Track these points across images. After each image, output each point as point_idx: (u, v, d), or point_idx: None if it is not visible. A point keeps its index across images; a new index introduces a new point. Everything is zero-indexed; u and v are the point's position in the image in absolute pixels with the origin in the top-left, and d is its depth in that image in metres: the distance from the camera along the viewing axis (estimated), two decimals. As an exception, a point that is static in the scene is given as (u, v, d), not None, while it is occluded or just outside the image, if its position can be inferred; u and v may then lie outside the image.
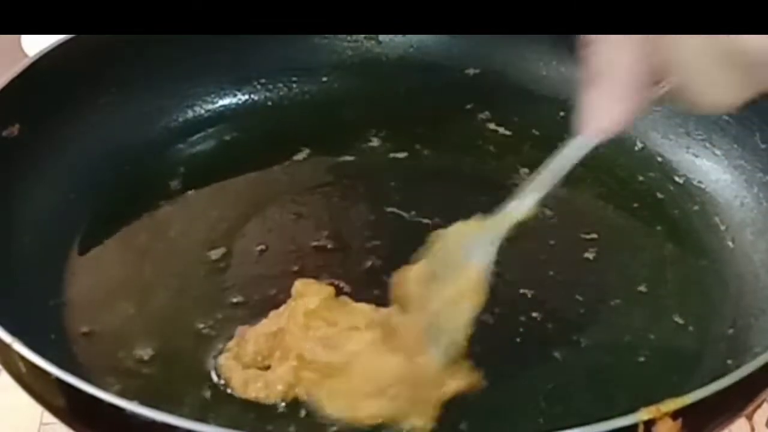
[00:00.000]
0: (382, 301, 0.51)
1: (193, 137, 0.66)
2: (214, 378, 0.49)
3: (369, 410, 0.47)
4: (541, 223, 0.59)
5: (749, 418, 0.46)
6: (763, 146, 0.60)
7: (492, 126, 0.67)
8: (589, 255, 0.57)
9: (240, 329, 0.51)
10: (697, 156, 0.63)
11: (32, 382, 0.44)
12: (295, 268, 0.56)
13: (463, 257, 0.48)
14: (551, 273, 0.57)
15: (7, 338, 0.43)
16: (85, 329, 0.52)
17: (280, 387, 0.48)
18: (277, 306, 0.51)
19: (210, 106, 0.68)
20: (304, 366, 0.48)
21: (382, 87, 0.70)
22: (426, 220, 0.59)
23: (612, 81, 0.41)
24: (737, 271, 0.57)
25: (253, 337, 0.50)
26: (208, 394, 0.49)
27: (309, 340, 0.48)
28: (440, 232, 0.49)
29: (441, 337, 0.47)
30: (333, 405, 0.47)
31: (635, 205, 0.62)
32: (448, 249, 0.49)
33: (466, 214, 0.59)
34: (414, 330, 0.48)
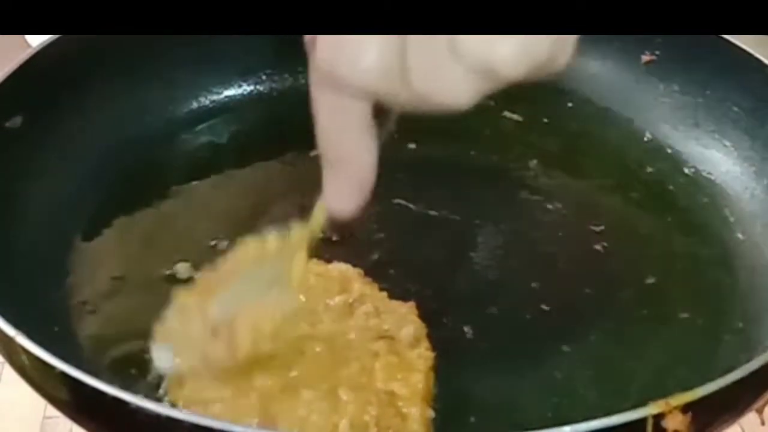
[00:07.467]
0: (388, 294, 0.51)
1: (197, 128, 0.66)
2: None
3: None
4: (549, 215, 0.59)
5: (759, 412, 0.46)
6: (773, 138, 0.60)
7: (500, 117, 0.67)
8: (598, 247, 0.57)
9: None
10: (706, 147, 0.62)
11: (36, 375, 0.43)
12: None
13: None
14: (560, 265, 0.56)
15: (11, 331, 0.43)
16: (88, 321, 0.52)
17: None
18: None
19: (215, 97, 0.68)
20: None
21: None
22: (433, 212, 0.59)
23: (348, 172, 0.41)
24: (747, 263, 0.56)
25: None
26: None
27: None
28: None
29: None
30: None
31: (644, 197, 0.61)
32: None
33: (473, 206, 0.59)
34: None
